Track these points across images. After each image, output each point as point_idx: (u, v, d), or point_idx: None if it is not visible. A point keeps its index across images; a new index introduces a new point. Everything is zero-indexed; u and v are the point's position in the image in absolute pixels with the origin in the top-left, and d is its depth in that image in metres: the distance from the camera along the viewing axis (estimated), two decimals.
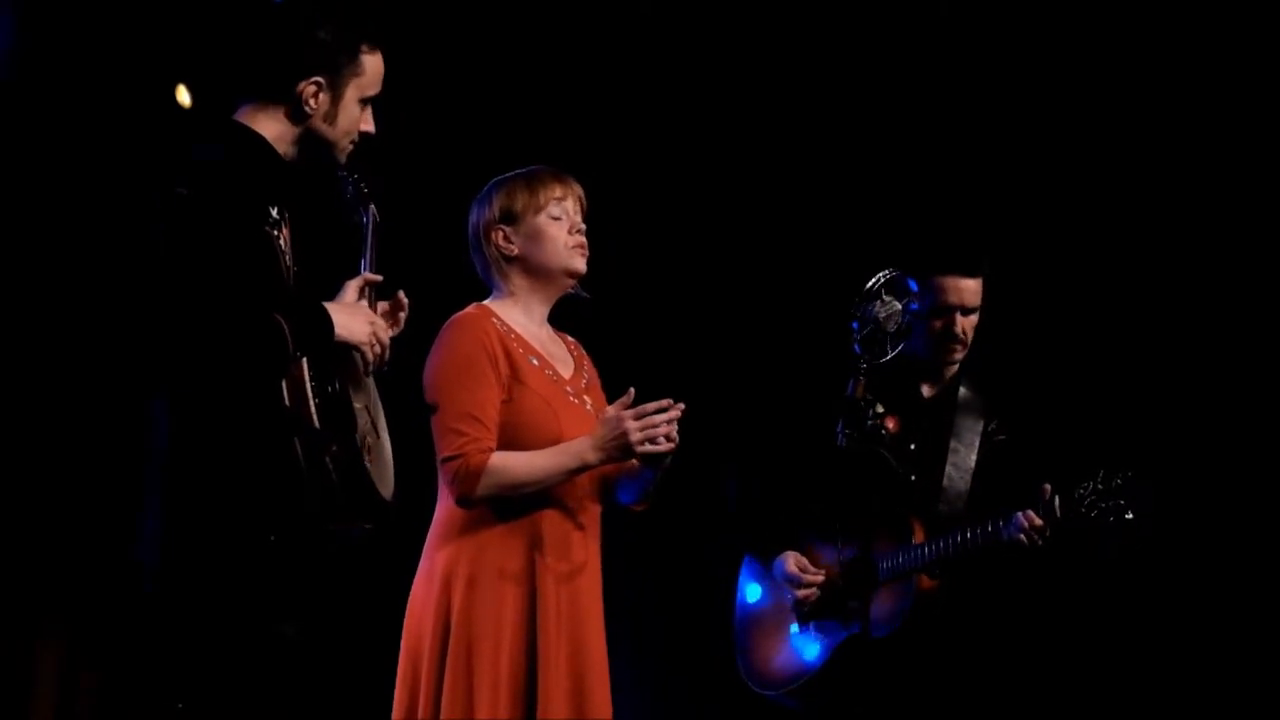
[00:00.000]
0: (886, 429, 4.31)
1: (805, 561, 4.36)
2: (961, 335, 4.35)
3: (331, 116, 3.25)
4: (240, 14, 3.35)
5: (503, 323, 3.55)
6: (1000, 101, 5.27)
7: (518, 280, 3.61)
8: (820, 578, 4.33)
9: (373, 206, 3.47)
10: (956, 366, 4.44)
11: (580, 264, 3.61)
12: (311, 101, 3.22)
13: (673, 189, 5.44)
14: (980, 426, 4.41)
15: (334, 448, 3.10)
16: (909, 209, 5.15)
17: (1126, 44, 5.12)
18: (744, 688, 4.51)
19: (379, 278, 3.42)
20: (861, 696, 4.26)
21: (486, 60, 5.36)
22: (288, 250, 3.22)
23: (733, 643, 4.52)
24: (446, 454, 3.45)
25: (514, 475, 3.43)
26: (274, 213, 3.19)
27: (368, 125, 3.31)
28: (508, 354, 3.50)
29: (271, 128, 3.23)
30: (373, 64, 3.29)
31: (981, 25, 5.22)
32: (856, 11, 5.29)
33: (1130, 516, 4.03)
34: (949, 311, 4.32)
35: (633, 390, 3.45)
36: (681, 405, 3.43)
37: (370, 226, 3.46)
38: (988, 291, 4.36)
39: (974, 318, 4.35)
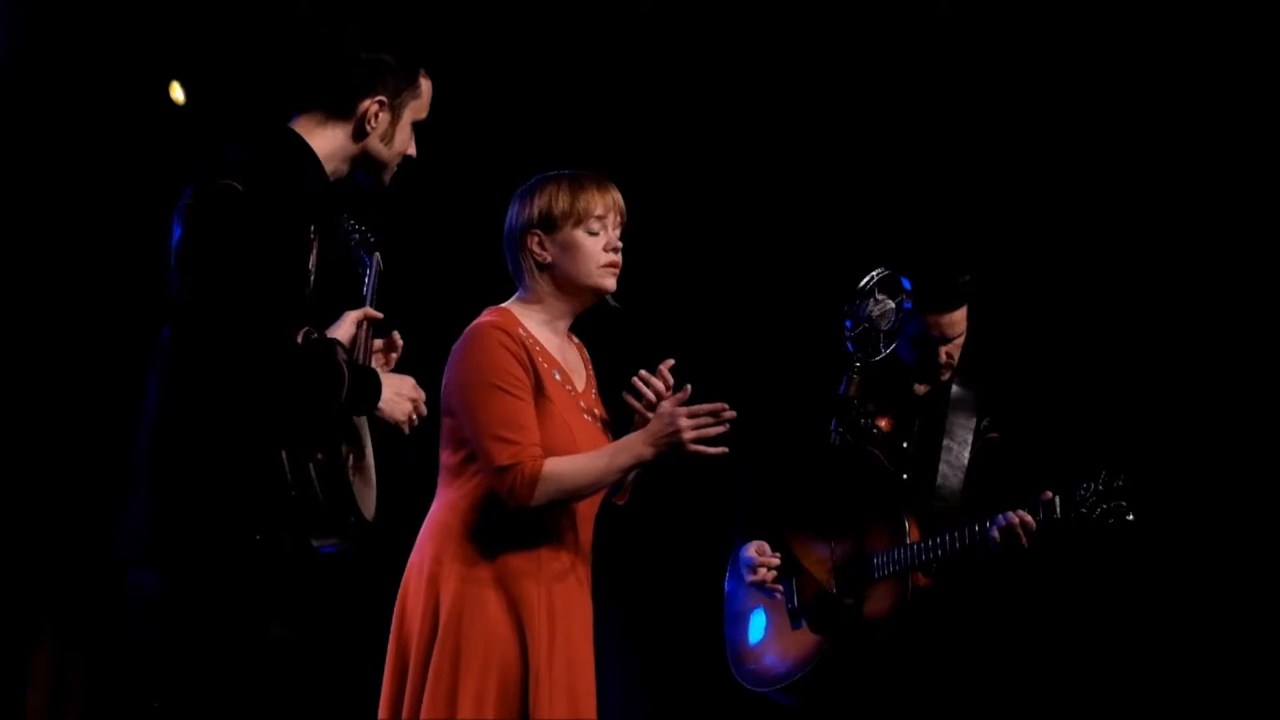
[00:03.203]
0: (879, 428, 4.32)
1: (765, 546, 4.36)
2: (947, 360, 4.42)
3: (389, 137, 3.31)
4: (310, 28, 3.39)
5: (528, 333, 3.49)
6: (992, 100, 5.27)
7: (545, 288, 3.54)
8: (775, 560, 4.32)
9: (377, 255, 3.54)
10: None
11: (610, 283, 3.54)
12: (373, 120, 3.28)
13: (667, 191, 5.44)
14: (973, 424, 4.43)
15: (319, 456, 3.10)
16: (894, 235, 5.15)
17: (1108, 47, 5.13)
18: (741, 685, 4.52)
19: (379, 315, 3.47)
20: (856, 693, 4.26)
21: (479, 63, 5.36)
22: (313, 271, 3.23)
23: (723, 640, 4.52)
24: (500, 463, 3.33)
25: (571, 479, 3.36)
26: (311, 230, 3.21)
27: (413, 150, 3.38)
28: (533, 366, 3.45)
29: (326, 143, 3.27)
30: (427, 89, 3.37)
31: (958, 39, 5.23)
32: (852, 23, 5.29)
33: (1131, 517, 4.03)
34: (933, 343, 4.38)
35: (689, 387, 3.39)
36: (733, 412, 3.36)
37: (374, 273, 3.52)
38: (973, 305, 4.38)
39: (959, 341, 4.40)
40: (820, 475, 4.36)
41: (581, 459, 3.39)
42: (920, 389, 4.47)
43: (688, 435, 3.33)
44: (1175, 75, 5.08)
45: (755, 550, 4.35)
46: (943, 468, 4.38)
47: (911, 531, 4.23)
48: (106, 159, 5.17)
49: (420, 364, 3.53)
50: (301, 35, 3.41)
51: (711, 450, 3.35)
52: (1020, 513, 4.08)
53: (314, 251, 3.22)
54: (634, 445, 3.37)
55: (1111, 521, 4.02)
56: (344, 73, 3.27)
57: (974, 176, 5.32)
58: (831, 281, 4.32)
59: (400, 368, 3.53)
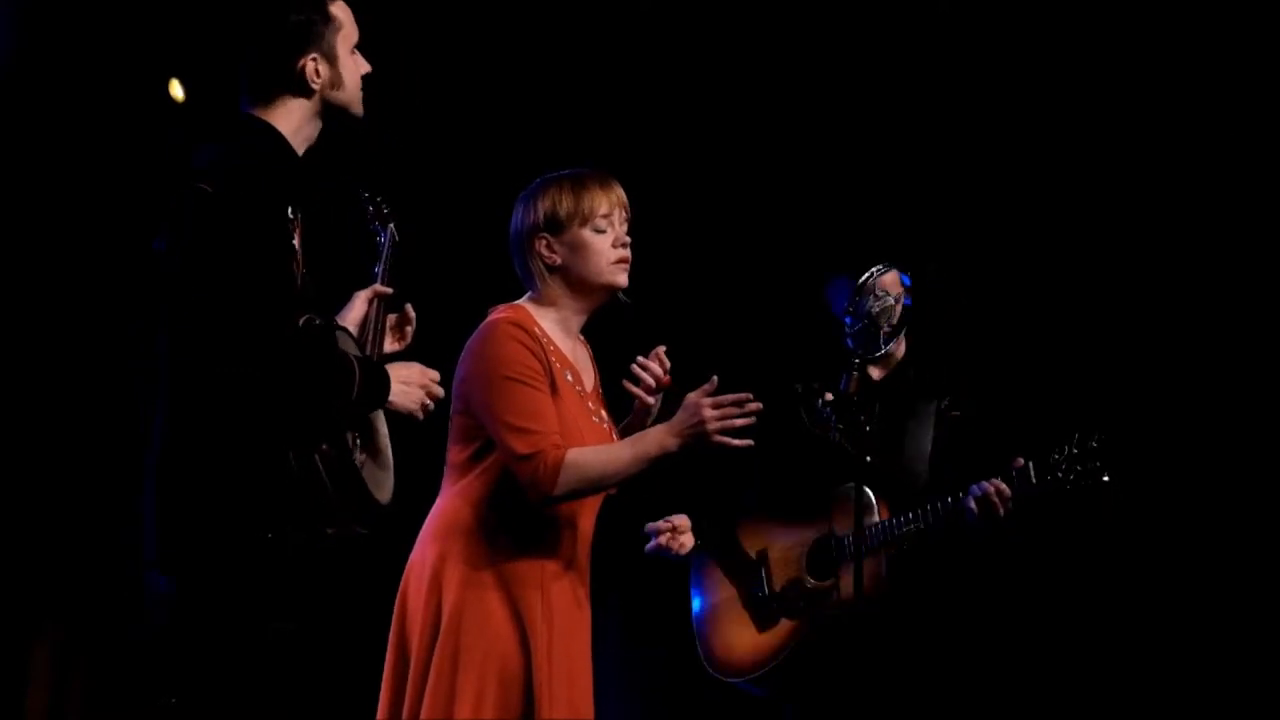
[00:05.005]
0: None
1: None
2: (889, 329, 4.37)
3: (337, 80, 3.33)
4: (223, 24, 3.40)
5: (543, 331, 3.48)
6: (927, 87, 5.31)
7: (557, 289, 3.52)
8: (666, 525, 4.17)
9: (392, 226, 3.57)
10: (902, 350, 4.47)
11: (622, 279, 3.52)
12: (315, 77, 3.30)
13: (658, 188, 5.44)
14: (933, 406, 4.42)
15: (324, 446, 3.10)
16: (876, 228, 5.19)
17: (1071, 40, 5.20)
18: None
19: (389, 290, 3.49)
20: (829, 679, 4.25)
21: (479, 63, 5.37)
22: (299, 252, 3.23)
23: (692, 632, 4.49)
24: (521, 452, 3.30)
25: (595, 469, 3.32)
26: (289, 212, 3.21)
27: (365, 67, 3.39)
28: (548, 365, 3.44)
29: (287, 117, 3.29)
30: (343, 13, 3.37)
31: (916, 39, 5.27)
32: (851, 23, 5.32)
33: (1107, 478, 4.05)
34: None
35: (716, 378, 3.34)
36: (759, 404, 3.32)
37: (388, 244, 3.55)
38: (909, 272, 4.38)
39: (896, 307, 4.38)
40: (786, 463, 4.35)
41: (605, 449, 3.37)
42: (877, 374, 4.48)
43: (712, 426, 3.29)
44: (1128, 70, 5.15)
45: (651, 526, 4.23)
46: (908, 449, 4.37)
47: (881, 512, 4.23)
48: (106, 159, 5.17)
49: (434, 348, 3.54)
50: (221, 33, 3.43)
51: (736, 442, 3.31)
52: (995, 481, 4.11)
53: (298, 232, 3.23)
54: (659, 436, 3.33)
55: (1088, 483, 4.04)
56: (268, 50, 3.28)
57: (932, 160, 5.33)
58: (801, 274, 4.33)
59: (413, 353, 3.53)
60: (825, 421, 4.26)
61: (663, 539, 3.71)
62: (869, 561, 4.20)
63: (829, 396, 4.24)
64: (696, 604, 4.50)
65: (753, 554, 4.40)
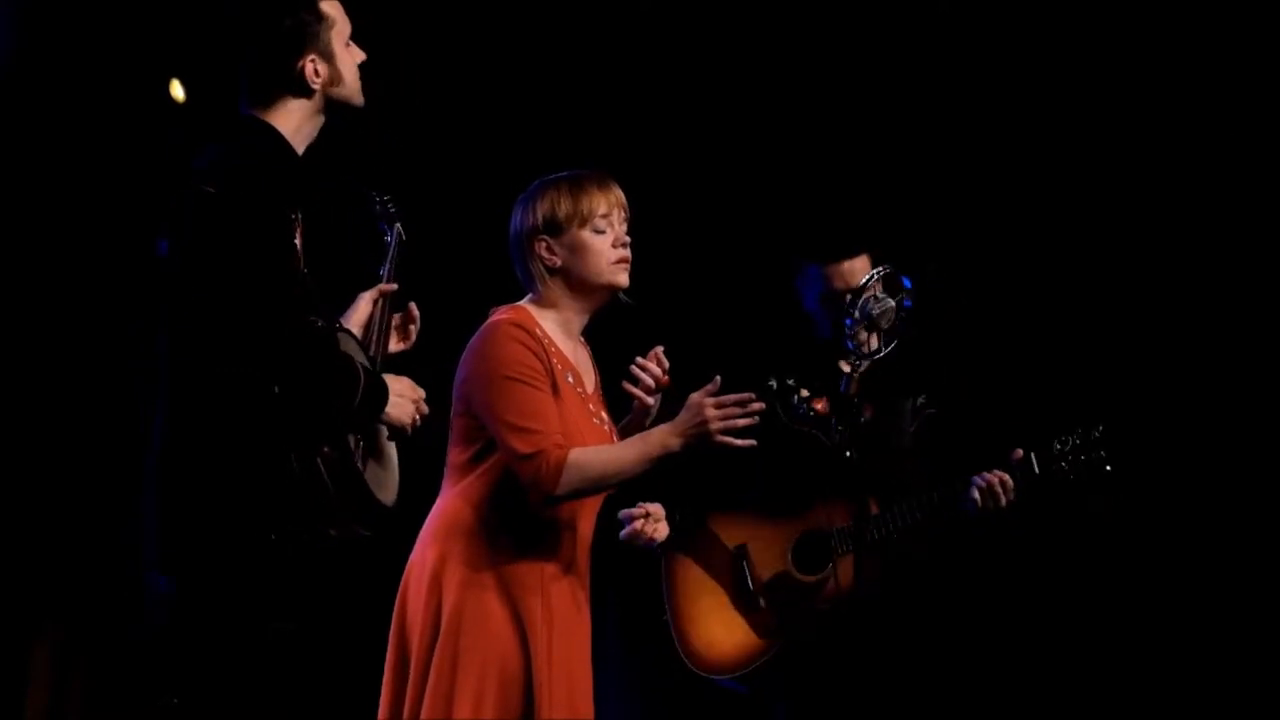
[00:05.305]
0: (815, 410, 4.31)
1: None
2: None
3: (336, 77, 3.35)
4: (223, 26, 3.42)
5: (544, 333, 3.50)
6: (926, 86, 5.31)
7: (558, 291, 3.53)
8: (640, 510, 4.13)
9: (398, 225, 3.59)
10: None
11: (623, 279, 3.54)
12: (314, 77, 3.32)
13: (657, 188, 5.44)
14: (908, 404, 4.41)
15: (325, 449, 3.11)
16: (793, 200, 5.21)
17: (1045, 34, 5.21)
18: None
19: (394, 287, 3.50)
20: (822, 675, 4.24)
21: (480, 62, 5.37)
22: (300, 254, 3.25)
23: (669, 626, 4.44)
24: (523, 452, 3.32)
25: (597, 469, 3.34)
26: (291, 214, 3.23)
27: (360, 56, 3.42)
28: (549, 366, 3.45)
29: (289, 118, 3.32)
30: (334, 9, 3.40)
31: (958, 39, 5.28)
32: (851, 22, 5.33)
33: (1110, 469, 4.06)
34: (839, 297, 4.29)
35: (719, 378, 3.36)
36: (761, 404, 3.35)
37: (394, 243, 3.57)
38: (876, 256, 4.36)
39: None
40: (767, 457, 4.33)
41: (608, 449, 3.39)
42: (850, 369, 4.46)
43: (715, 426, 3.31)
44: (1128, 69, 5.16)
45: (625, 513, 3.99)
46: (891, 447, 4.36)
47: (872, 506, 4.22)
48: (107, 159, 5.17)
49: (436, 349, 3.54)
50: (227, 34, 3.45)
51: (739, 442, 3.33)
52: (997, 472, 4.10)
53: (299, 232, 3.23)
54: (661, 436, 3.35)
55: (1091, 474, 4.05)
56: (266, 54, 3.31)
57: (932, 160, 5.34)
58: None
59: (415, 354, 3.54)
60: (803, 417, 4.26)
61: (636, 525, 3.65)
62: (867, 556, 4.19)
63: (804, 393, 4.25)
64: (672, 598, 4.45)
65: (731, 548, 4.37)
